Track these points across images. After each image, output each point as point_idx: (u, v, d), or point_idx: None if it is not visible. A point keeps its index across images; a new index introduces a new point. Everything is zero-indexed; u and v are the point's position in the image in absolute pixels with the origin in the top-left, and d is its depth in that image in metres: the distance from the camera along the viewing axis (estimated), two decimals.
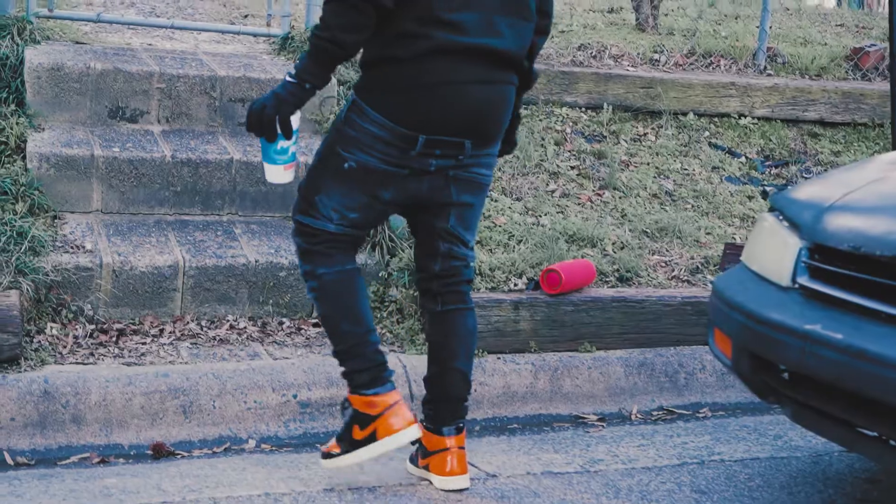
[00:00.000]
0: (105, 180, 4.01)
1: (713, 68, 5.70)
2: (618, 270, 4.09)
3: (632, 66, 5.50)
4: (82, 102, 4.28)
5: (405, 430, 2.80)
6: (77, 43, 4.78)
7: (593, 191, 4.68)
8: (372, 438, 2.81)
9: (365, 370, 2.82)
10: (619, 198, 4.67)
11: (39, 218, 3.82)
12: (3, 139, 3.98)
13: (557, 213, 4.44)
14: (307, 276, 2.85)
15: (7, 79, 4.24)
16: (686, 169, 5.03)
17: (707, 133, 5.37)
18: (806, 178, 5.24)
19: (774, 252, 2.68)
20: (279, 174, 2.79)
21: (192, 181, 4.13)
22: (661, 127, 5.30)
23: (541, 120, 5.10)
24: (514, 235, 4.18)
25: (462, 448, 2.91)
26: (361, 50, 2.71)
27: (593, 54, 5.53)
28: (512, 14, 2.69)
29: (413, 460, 3.02)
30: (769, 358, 2.52)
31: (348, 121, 2.73)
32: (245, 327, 3.84)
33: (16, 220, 3.63)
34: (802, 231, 2.61)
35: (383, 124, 2.66)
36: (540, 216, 4.37)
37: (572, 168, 4.82)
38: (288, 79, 2.65)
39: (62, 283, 3.62)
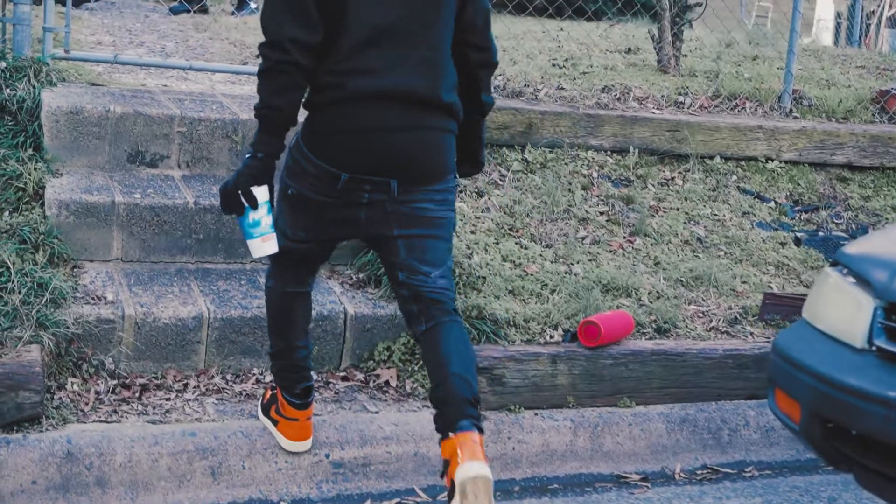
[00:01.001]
0: (126, 228, 3.89)
1: (739, 111, 5.61)
2: (655, 321, 3.97)
3: (657, 108, 5.41)
4: (101, 147, 4.17)
5: (294, 443, 3.28)
6: (93, 85, 4.68)
7: (624, 237, 4.58)
8: (275, 424, 3.32)
9: (278, 378, 3.23)
10: (651, 244, 4.56)
11: (59, 267, 3.69)
12: (21, 185, 3.86)
13: (589, 260, 4.33)
14: (265, 283, 3.23)
15: (24, 122, 4.12)
16: (716, 214, 4.92)
17: (735, 177, 5.27)
18: (837, 224, 5.14)
19: (844, 311, 2.57)
20: (259, 247, 2.89)
21: (216, 228, 4.01)
22: (689, 171, 5.20)
23: (566, 164, 5.00)
24: (546, 285, 4.07)
25: (475, 442, 2.72)
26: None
27: (617, 96, 5.44)
28: (432, 56, 2.82)
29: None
30: (846, 425, 2.40)
31: (291, 153, 2.94)
32: (271, 381, 3.70)
33: (36, 271, 3.50)
34: (876, 289, 2.50)
35: (311, 161, 2.84)
36: (572, 264, 4.26)
37: (601, 214, 4.71)
38: (247, 156, 2.84)
39: (83, 335, 3.49)
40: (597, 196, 4.85)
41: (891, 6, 15.81)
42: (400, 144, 2.80)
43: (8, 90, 4.24)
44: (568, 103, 5.25)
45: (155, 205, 3.93)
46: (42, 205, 3.83)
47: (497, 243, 4.31)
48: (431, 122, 2.84)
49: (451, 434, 2.74)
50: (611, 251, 4.45)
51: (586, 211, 4.69)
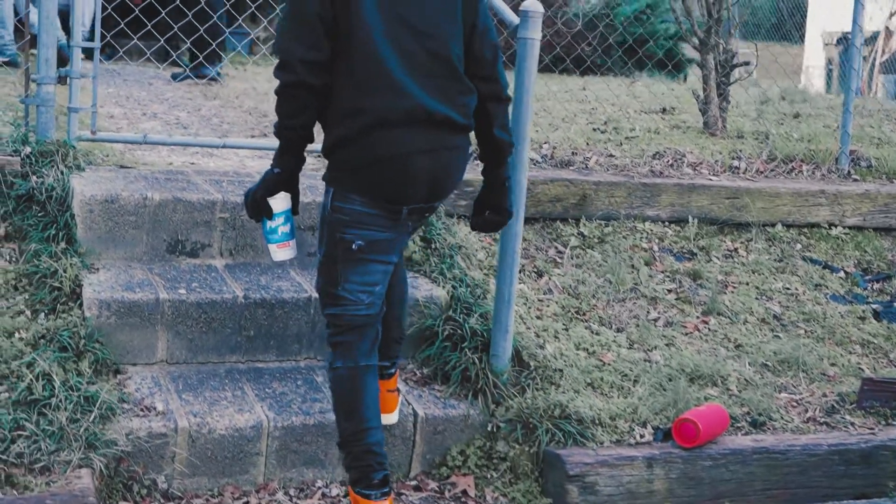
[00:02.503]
0: (171, 327, 3.60)
1: (796, 174, 5.39)
2: (748, 413, 3.70)
3: (713, 174, 5.18)
4: (139, 237, 3.90)
5: None
6: (122, 167, 4.41)
7: (698, 317, 4.32)
8: None
9: (353, 467, 3.00)
10: (727, 324, 4.31)
11: (102, 375, 3.39)
12: (57, 284, 3.58)
13: (667, 345, 4.06)
14: (328, 369, 3.08)
15: (54, 213, 3.85)
16: (788, 288, 4.68)
17: (799, 245, 5.03)
18: None
19: None
20: (275, 252, 3.04)
21: (267, 324, 3.73)
22: (751, 240, 4.96)
23: (625, 237, 4.75)
24: (626, 375, 3.80)
25: (391, 391, 3.37)
26: (323, 142, 2.92)
27: (670, 163, 5.21)
28: (444, 76, 2.87)
29: None
30: None
31: (335, 209, 2.92)
32: (337, 495, 3.40)
33: (82, 383, 3.20)
34: None
35: (367, 202, 2.87)
36: (649, 350, 3.99)
37: (669, 291, 4.46)
38: (267, 170, 2.95)
39: (133, 452, 3.19)
40: (661, 272, 4.59)
41: (884, 52, 15.78)
42: (429, 168, 2.89)
43: (35, 178, 3.97)
44: (621, 172, 5.01)
45: (202, 301, 3.65)
46: (80, 305, 3.54)
47: (566, 329, 4.04)
48: (451, 141, 2.93)
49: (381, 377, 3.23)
50: (686, 333, 4.18)
51: (653, 289, 4.43)
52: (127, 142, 4.48)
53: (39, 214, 3.87)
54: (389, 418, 3.39)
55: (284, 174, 2.92)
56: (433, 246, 4.20)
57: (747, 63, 6.15)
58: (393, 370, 3.38)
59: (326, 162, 2.95)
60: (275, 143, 4.55)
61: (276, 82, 2.84)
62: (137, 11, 5.87)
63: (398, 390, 3.48)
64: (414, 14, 2.85)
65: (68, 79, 4.26)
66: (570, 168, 5.05)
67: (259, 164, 5.00)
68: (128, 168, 4.40)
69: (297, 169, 2.94)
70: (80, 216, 3.82)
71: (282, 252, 3.03)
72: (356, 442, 2.99)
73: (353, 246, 2.90)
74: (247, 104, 7.31)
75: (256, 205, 2.96)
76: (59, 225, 3.81)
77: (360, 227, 2.90)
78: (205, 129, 6.15)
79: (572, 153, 5.21)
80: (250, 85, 8.46)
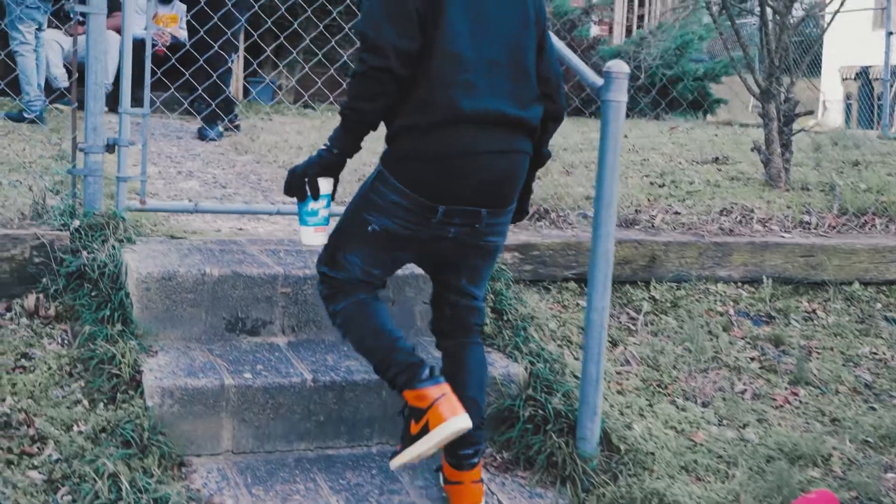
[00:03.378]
0: (237, 414, 3.40)
1: (869, 228, 5.19)
2: (857, 498, 3.47)
3: (784, 230, 4.98)
4: (197, 315, 3.70)
5: (454, 418, 2.92)
6: (172, 238, 4.23)
7: (785, 388, 4.10)
8: (425, 430, 2.95)
9: (400, 373, 2.99)
10: (817, 396, 4.08)
11: (166, 470, 3.18)
12: (116, 371, 3.38)
13: (758, 420, 3.84)
14: (332, 316, 3.11)
15: (107, 291, 3.66)
16: (875, 353, 4.45)
17: (879, 305, 4.82)
18: None
19: None
20: (310, 236, 3.03)
21: (337, 408, 3.52)
22: (829, 300, 4.75)
23: (698, 300, 4.55)
24: (721, 457, 3.57)
25: (476, 482, 3.14)
26: (386, 128, 2.92)
27: (738, 219, 5.01)
28: (519, 82, 2.91)
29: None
30: None
31: (373, 188, 2.95)
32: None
33: (150, 483, 2.99)
34: None
35: (405, 193, 2.86)
36: (741, 427, 3.77)
37: (752, 360, 4.24)
38: (322, 147, 2.92)
39: None
40: (741, 338, 4.38)
41: None
42: (496, 170, 2.88)
43: (86, 253, 3.78)
44: (689, 231, 4.82)
45: (269, 385, 3.44)
46: (141, 393, 3.34)
47: (651, 405, 3.82)
48: (519, 145, 2.94)
49: (461, 466, 3.11)
50: (776, 407, 3.96)
51: (735, 357, 4.22)
52: (178, 211, 4.30)
53: (92, 293, 3.68)
54: None
55: (341, 156, 2.92)
56: (505, 317, 4.00)
57: (811, 112, 5.96)
58: (476, 459, 3.17)
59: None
60: (332, 209, 4.39)
61: (353, 81, 2.82)
62: (174, 60, 5.72)
63: (482, 480, 3.26)
64: (497, 22, 2.91)
65: (116, 146, 4.09)
66: (636, 227, 4.85)
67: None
68: (179, 239, 4.22)
69: (353, 153, 2.94)
70: (135, 295, 3.63)
71: (318, 236, 3.03)
72: (392, 351, 3.02)
73: (369, 228, 2.94)
74: (281, 158, 7.16)
75: (305, 183, 2.94)
76: (114, 304, 3.62)
77: (386, 216, 2.92)
78: (244, 188, 5.99)
79: (636, 211, 5.02)
80: (280, 137, 8.33)
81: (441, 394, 2.95)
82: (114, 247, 3.83)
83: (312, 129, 9.06)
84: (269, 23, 7.47)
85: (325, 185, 2.97)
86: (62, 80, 9.26)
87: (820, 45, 20.45)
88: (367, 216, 2.96)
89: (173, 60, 6.35)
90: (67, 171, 4.09)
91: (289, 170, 2.99)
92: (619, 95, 3.36)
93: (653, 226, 4.86)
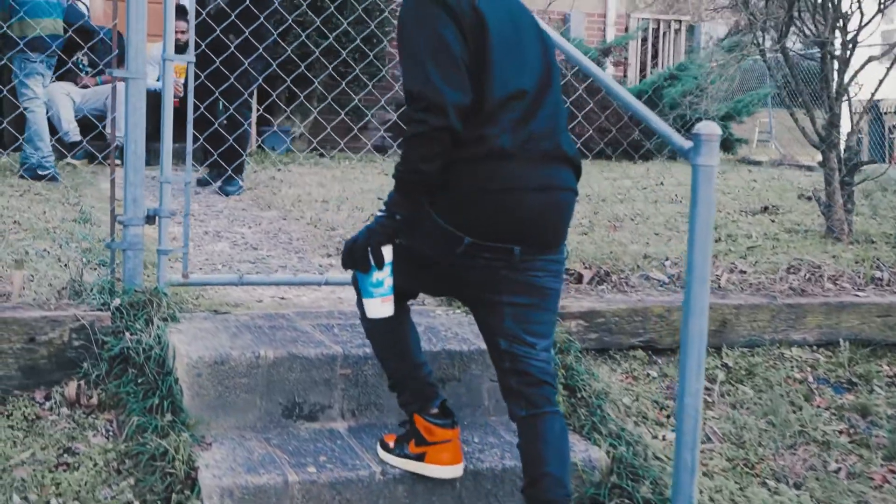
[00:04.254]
0: None
1: None
2: None
3: (857, 289, 4.75)
4: (251, 401, 3.46)
5: (452, 468, 3.15)
6: (216, 312, 4.00)
7: (881, 464, 3.84)
8: (421, 458, 3.16)
9: (413, 401, 3.15)
10: None
11: None
12: (170, 468, 3.12)
13: (857, 503, 3.59)
14: (361, 319, 3.13)
15: (154, 376, 3.42)
16: None
17: None
18: None
19: None
20: (377, 307, 2.90)
21: (408, 501, 3.26)
22: None
23: (775, 367, 4.31)
24: None
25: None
26: None
27: (807, 277, 4.78)
28: (559, 116, 2.88)
29: None
30: None
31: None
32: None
33: None
34: None
35: (433, 221, 2.80)
36: None
37: (840, 433, 3.99)
38: (379, 213, 2.80)
39: None
40: (825, 409, 4.13)
41: None
42: (535, 207, 2.80)
43: (129, 334, 3.55)
44: (758, 292, 4.59)
45: (335, 480, 3.19)
46: (198, 493, 3.08)
47: (741, 489, 3.57)
48: (563, 181, 2.87)
49: None
50: (875, 487, 3.71)
51: (822, 431, 3.97)
52: (223, 284, 4.07)
53: (138, 379, 3.44)
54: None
55: (403, 221, 2.81)
56: (578, 394, 3.76)
57: (874, 161, 5.74)
58: None
59: None
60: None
61: (410, 143, 2.72)
62: (202, 109, 5.50)
63: None
64: (532, 57, 2.87)
65: (157, 218, 3.86)
66: None
67: (355, 297, 4.59)
68: (223, 314, 3.99)
69: (416, 215, 2.82)
70: (186, 381, 3.39)
71: (385, 307, 2.91)
72: (409, 377, 3.14)
73: (396, 240, 2.86)
74: (308, 214, 6.95)
75: (367, 254, 2.83)
76: (163, 391, 3.37)
77: (412, 235, 2.86)
78: (276, 249, 5.77)
79: None
80: (303, 190, 8.12)
81: (448, 438, 3.13)
82: (158, 327, 3.60)
83: (333, 180, 8.87)
84: (275, 69, 7.26)
85: (388, 253, 2.86)
86: (74, 134, 9.07)
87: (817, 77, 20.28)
88: (401, 240, 2.90)
89: (202, 109, 6.11)
90: (106, 244, 3.86)
91: (346, 241, 2.89)
92: (711, 159, 3.14)
93: (719, 286, 4.63)
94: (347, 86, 10.48)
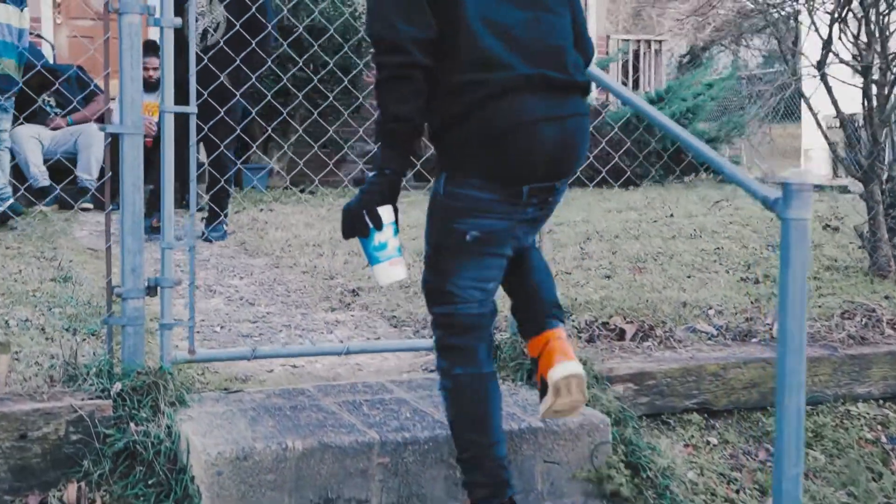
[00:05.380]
0: None
1: None
2: None
3: None
4: (279, 500, 3.05)
5: None
6: (227, 391, 3.60)
7: None
8: None
9: (484, 485, 2.83)
10: None
11: None
12: None
13: None
14: (443, 373, 2.86)
15: (165, 475, 3.01)
16: None
17: None
18: None
19: None
20: (386, 272, 2.74)
21: None
22: None
23: (843, 427, 3.96)
24: None
25: (563, 339, 2.94)
26: (427, 126, 2.74)
27: (863, 322, 4.44)
28: (548, 42, 2.75)
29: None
30: None
31: (449, 195, 2.75)
32: None
33: None
34: None
35: (485, 185, 2.70)
36: None
37: None
38: (369, 175, 2.70)
39: None
40: None
41: None
42: (561, 137, 2.72)
43: (135, 425, 3.14)
44: (815, 342, 4.24)
45: None
46: None
47: None
48: (576, 107, 2.78)
49: (539, 333, 2.92)
50: None
51: None
52: (232, 358, 3.66)
53: (147, 479, 3.03)
54: (572, 366, 2.91)
55: (395, 175, 2.69)
56: (642, 474, 3.38)
57: None
58: (556, 322, 3.00)
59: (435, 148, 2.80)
60: (401, 342, 3.84)
61: (380, 90, 2.66)
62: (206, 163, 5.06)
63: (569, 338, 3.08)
64: None
65: (159, 288, 3.45)
66: (754, 340, 4.27)
67: (373, 362, 4.20)
68: (234, 392, 3.58)
69: (406, 169, 2.73)
70: (204, 482, 2.97)
71: (395, 270, 2.75)
72: (486, 456, 2.83)
73: (468, 237, 2.74)
74: (301, 261, 6.56)
75: (363, 217, 2.70)
76: (177, 493, 2.97)
77: (476, 216, 2.73)
78: (276, 304, 5.38)
79: (746, 319, 4.43)
80: (290, 233, 7.73)
81: None
82: (166, 414, 3.19)
83: (321, 220, 8.48)
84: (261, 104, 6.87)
85: (386, 213, 2.71)
86: (42, 179, 8.64)
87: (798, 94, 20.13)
88: (458, 225, 2.75)
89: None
90: (103, 321, 3.44)
91: (343, 209, 2.74)
92: (804, 211, 2.79)
93: (772, 337, 4.28)
94: (324, 118, 10.15)
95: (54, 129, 8.80)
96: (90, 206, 8.65)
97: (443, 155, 2.79)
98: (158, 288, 3.45)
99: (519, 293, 3.06)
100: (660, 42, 14.44)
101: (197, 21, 6.59)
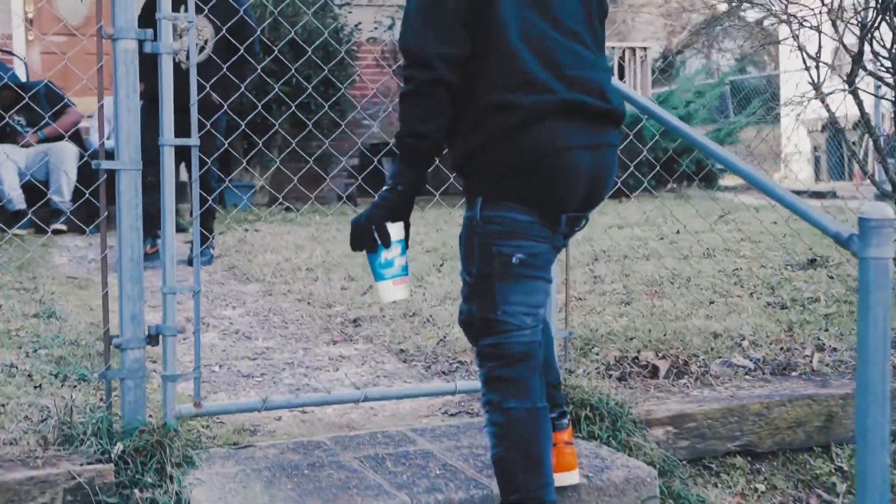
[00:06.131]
0: None
1: None
2: None
3: None
4: None
5: None
6: (235, 447, 3.31)
7: None
8: None
9: None
10: None
11: None
12: None
13: None
14: (492, 408, 2.68)
15: None
16: None
17: None
18: None
19: None
20: (389, 290, 2.69)
21: None
22: None
23: None
24: None
25: (570, 444, 2.93)
26: (453, 155, 2.68)
27: None
28: (586, 60, 2.67)
29: None
30: None
31: (487, 219, 2.64)
32: None
33: None
34: None
35: (524, 209, 2.61)
36: None
37: None
38: (383, 189, 2.64)
39: None
40: None
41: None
42: (596, 167, 2.65)
43: (139, 492, 2.85)
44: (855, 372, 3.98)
45: None
46: None
47: None
48: (609, 138, 2.71)
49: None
50: None
51: None
52: (242, 410, 3.36)
53: None
54: (570, 477, 2.93)
55: (407, 193, 2.62)
56: None
57: None
58: (565, 420, 2.98)
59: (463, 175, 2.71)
60: (421, 387, 3.56)
61: (403, 104, 2.59)
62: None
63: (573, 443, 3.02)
64: (554, 4, 2.66)
65: (160, 336, 3.16)
66: (793, 374, 4.02)
67: (388, 405, 3.92)
68: (245, 447, 3.29)
69: (420, 189, 2.64)
70: None
71: (398, 290, 2.69)
72: (536, 498, 2.63)
73: (514, 259, 2.62)
74: (295, 287, 6.28)
75: (371, 232, 2.64)
76: None
77: (518, 238, 2.62)
78: (273, 338, 5.09)
79: (781, 349, 4.19)
80: (281, 256, 7.44)
81: None
82: (174, 479, 2.90)
83: (311, 240, 8.20)
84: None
85: (394, 230, 2.65)
86: (18, 202, 8.30)
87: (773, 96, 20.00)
88: (503, 248, 2.63)
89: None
90: (100, 375, 3.15)
91: (352, 221, 2.68)
92: (885, 250, 2.54)
93: (812, 370, 4.03)
94: (309, 133, 9.87)
95: (25, 146, 8.46)
96: (64, 228, 8.33)
97: (475, 180, 2.69)
98: (161, 336, 3.16)
99: None
100: (645, 49, 14.24)
101: (182, 37, 6.30)
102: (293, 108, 4.54)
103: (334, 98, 9.72)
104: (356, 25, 10.93)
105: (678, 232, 7.17)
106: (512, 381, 2.67)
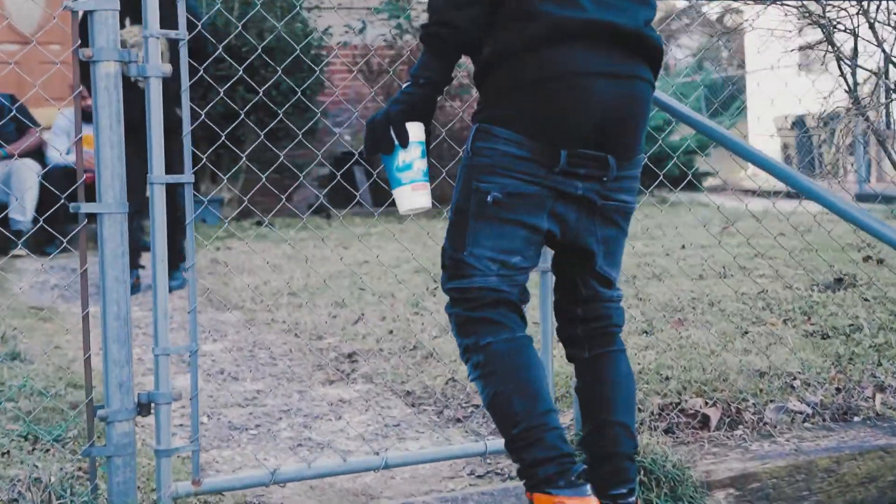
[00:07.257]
0: None
1: None
2: None
3: None
4: None
5: None
6: None
7: None
8: None
9: (549, 460, 2.35)
10: None
11: None
12: None
13: None
14: (468, 351, 2.47)
15: None
16: None
17: None
18: None
19: None
20: (408, 197, 2.44)
21: None
22: None
23: None
24: None
25: None
26: (475, 62, 2.46)
27: None
28: None
29: None
30: None
31: (476, 150, 2.45)
32: None
33: None
34: None
35: (518, 141, 2.39)
36: None
37: None
38: (406, 85, 2.43)
39: None
40: None
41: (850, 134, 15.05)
42: (616, 98, 2.38)
43: None
44: None
45: None
46: None
47: None
48: (640, 70, 2.45)
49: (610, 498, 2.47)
50: None
51: None
52: (248, 486, 2.90)
53: None
54: None
55: (430, 88, 2.41)
56: None
57: None
58: (632, 499, 2.54)
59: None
60: (444, 450, 3.21)
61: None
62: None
63: None
64: None
65: (152, 405, 2.70)
66: (857, 419, 3.63)
67: (409, 466, 3.46)
68: None
69: (444, 85, 2.43)
70: None
71: (417, 196, 2.45)
72: (542, 425, 2.38)
73: (489, 198, 2.41)
74: (278, 315, 5.85)
75: (387, 131, 2.42)
76: None
77: (501, 174, 2.40)
78: (263, 378, 4.67)
79: (837, 389, 3.79)
80: (259, 278, 6.98)
81: None
82: None
83: (288, 259, 7.76)
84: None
85: (414, 130, 2.43)
86: None
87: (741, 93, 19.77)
88: (481, 184, 2.42)
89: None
90: (83, 452, 2.68)
91: (366, 122, 2.46)
92: None
93: (877, 414, 3.65)
94: (278, 142, 9.42)
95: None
96: (23, 253, 7.81)
97: (480, 105, 2.50)
98: (152, 405, 2.69)
99: (590, 411, 2.63)
100: None
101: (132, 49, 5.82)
102: (245, 123, 4.00)
103: (292, 101, 9.28)
104: (326, 30, 10.47)
105: (683, 247, 6.78)
106: (484, 320, 2.45)
